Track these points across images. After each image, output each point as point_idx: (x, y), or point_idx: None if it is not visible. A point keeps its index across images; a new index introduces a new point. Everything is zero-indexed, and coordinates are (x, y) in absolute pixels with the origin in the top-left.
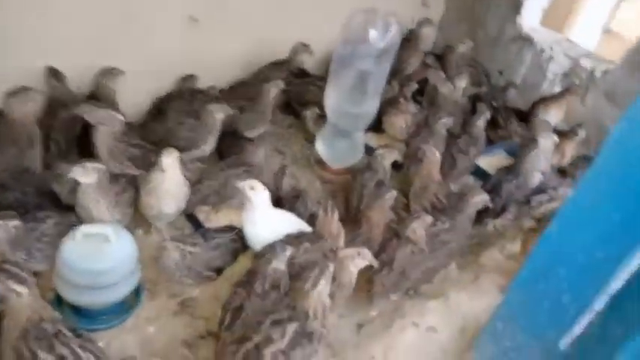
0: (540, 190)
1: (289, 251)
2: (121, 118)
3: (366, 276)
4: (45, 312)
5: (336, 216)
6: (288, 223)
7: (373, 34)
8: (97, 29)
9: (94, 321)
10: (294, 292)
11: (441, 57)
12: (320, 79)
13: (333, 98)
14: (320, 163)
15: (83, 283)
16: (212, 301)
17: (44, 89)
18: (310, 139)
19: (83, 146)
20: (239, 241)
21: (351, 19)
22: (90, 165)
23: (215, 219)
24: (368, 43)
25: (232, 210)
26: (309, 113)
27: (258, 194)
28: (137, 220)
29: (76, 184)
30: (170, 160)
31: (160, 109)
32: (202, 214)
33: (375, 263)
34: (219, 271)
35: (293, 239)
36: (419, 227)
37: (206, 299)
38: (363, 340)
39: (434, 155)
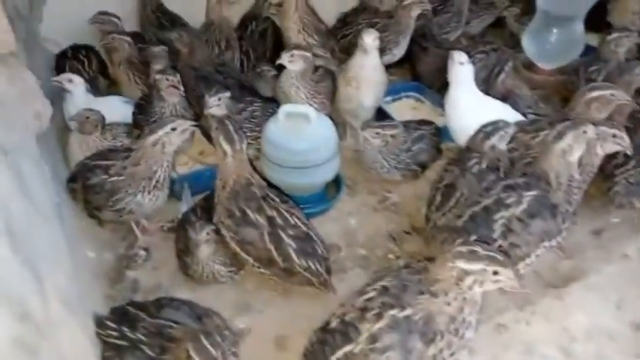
0: None
1: (512, 129)
2: None
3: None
4: (253, 178)
5: None
6: (499, 112)
7: None
8: None
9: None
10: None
11: None
12: None
13: None
14: (527, 64)
15: (286, 162)
16: (413, 199)
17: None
18: (511, 44)
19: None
20: (440, 137)
21: None
22: (297, 52)
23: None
24: None
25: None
26: (512, 10)
27: (456, 67)
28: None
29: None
30: (371, 39)
31: (344, 22)
32: (398, 114)
33: (630, 150)
34: (423, 167)
35: (526, 124)
36: None
37: (407, 197)
38: (608, 242)
39: None
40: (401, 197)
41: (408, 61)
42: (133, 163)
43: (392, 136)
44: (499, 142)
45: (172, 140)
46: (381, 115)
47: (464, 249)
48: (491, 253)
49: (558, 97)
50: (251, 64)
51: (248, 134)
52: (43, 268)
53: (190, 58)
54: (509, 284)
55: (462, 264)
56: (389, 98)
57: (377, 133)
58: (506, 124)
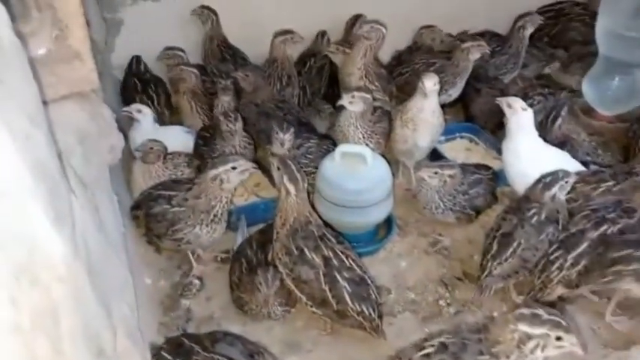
0: None
1: (572, 179)
2: (384, 29)
3: None
4: (311, 217)
5: None
6: (562, 162)
7: None
8: None
9: None
10: None
11: None
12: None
13: (609, 23)
14: (586, 110)
15: (340, 201)
16: (465, 244)
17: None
18: (571, 88)
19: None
20: (496, 182)
21: None
22: (358, 94)
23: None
24: None
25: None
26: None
27: (518, 113)
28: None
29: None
30: (432, 84)
31: (399, 61)
32: (451, 154)
33: None
34: (477, 212)
35: (587, 175)
36: None
37: (459, 241)
38: None
39: None
40: (453, 241)
41: (461, 101)
42: (194, 195)
43: (450, 176)
44: (559, 193)
45: (231, 178)
46: (434, 155)
47: (527, 312)
48: (555, 318)
49: (617, 145)
50: (307, 99)
51: (303, 169)
52: (113, 301)
53: (253, 95)
54: (572, 349)
55: (524, 327)
56: (442, 138)
57: (435, 173)
58: (567, 174)
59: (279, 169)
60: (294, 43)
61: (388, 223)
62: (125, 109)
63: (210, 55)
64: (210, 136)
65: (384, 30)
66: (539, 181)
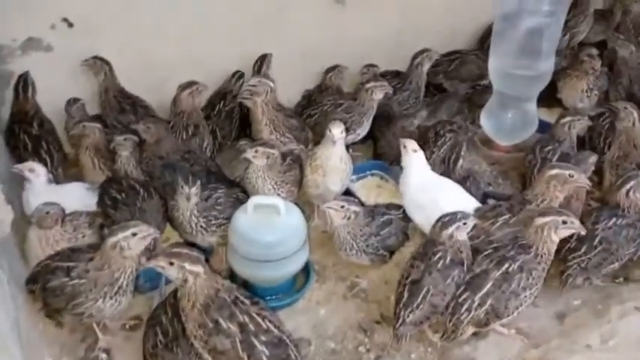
0: None
1: (472, 221)
2: (272, 83)
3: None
4: (219, 283)
5: None
6: (450, 189)
7: None
8: (248, 26)
9: (265, 301)
10: None
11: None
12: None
13: (499, 63)
14: (485, 141)
15: (255, 255)
16: (382, 285)
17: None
18: (471, 119)
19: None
20: (407, 220)
21: None
22: (261, 148)
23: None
24: None
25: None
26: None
27: (411, 154)
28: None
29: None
30: (339, 132)
31: (309, 101)
32: (363, 192)
33: (584, 231)
34: (391, 252)
35: (486, 211)
36: (634, 190)
37: (376, 283)
38: (571, 330)
39: (631, 114)
40: (370, 283)
41: (370, 137)
42: (96, 267)
43: (355, 212)
44: (457, 233)
45: (132, 245)
46: (347, 195)
47: None
48: None
49: (516, 174)
50: (217, 143)
51: (213, 222)
52: None
53: (157, 147)
54: None
55: None
56: (354, 177)
57: (341, 207)
58: (465, 215)
59: (172, 264)
60: (200, 93)
61: (306, 271)
62: (16, 167)
63: (107, 106)
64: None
65: (270, 84)
66: (438, 220)
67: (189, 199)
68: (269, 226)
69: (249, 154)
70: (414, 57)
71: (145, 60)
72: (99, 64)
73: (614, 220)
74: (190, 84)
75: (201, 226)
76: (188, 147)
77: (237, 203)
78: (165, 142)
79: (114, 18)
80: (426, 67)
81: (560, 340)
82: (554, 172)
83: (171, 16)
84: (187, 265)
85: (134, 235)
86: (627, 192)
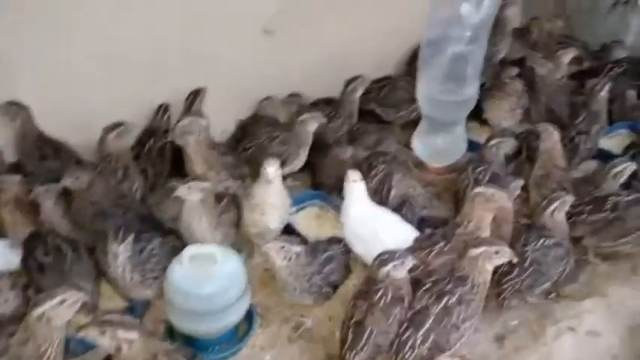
0: None
1: (409, 260)
2: (205, 121)
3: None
4: (156, 347)
5: None
6: (389, 221)
7: (466, 7)
8: (176, 58)
9: (207, 352)
10: None
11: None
12: (405, 77)
13: (426, 89)
14: (418, 164)
15: (193, 308)
16: (327, 322)
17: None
18: (403, 143)
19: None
20: (349, 253)
21: None
22: (194, 184)
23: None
24: (460, 20)
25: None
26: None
27: (351, 185)
28: (239, 242)
29: (180, 204)
30: (274, 170)
31: (244, 131)
32: (304, 224)
33: (516, 258)
34: (334, 288)
35: (423, 240)
36: (558, 210)
37: (321, 320)
38: (510, 353)
39: (552, 135)
40: (315, 321)
41: (308, 167)
42: (19, 342)
43: (296, 253)
44: (394, 272)
45: (60, 314)
46: (287, 228)
47: None
48: None
49: (449, 194)
50: (149, 184)
51: (149, 275)
52: None
53: (88, 194)
54: None
55: None
56: (293, 209)
57: (282, 247)
58: (403, 254)
59: (103, 333)
60: (128, 134)
61: (248, 317)
62: None
63: (27, 153)
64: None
65: (203, 122)
66: (376, 258)
67: (116, 257)
68: (207, 277)
69: (182, 191)
70: (347, 83)
71: (69, 98)
72: (14, 110)
73: (542, 241)
74: (116, 125)
75: (136, 281)
76: (120, 192)
77: (173, 252)
78: (96, 188)
79: (35, 54)
80: (359, 93)
81: None
82: (477, 191)
83: (97, 51)
84: (121, 333)
85: (62, 302)
86: (552, 212)
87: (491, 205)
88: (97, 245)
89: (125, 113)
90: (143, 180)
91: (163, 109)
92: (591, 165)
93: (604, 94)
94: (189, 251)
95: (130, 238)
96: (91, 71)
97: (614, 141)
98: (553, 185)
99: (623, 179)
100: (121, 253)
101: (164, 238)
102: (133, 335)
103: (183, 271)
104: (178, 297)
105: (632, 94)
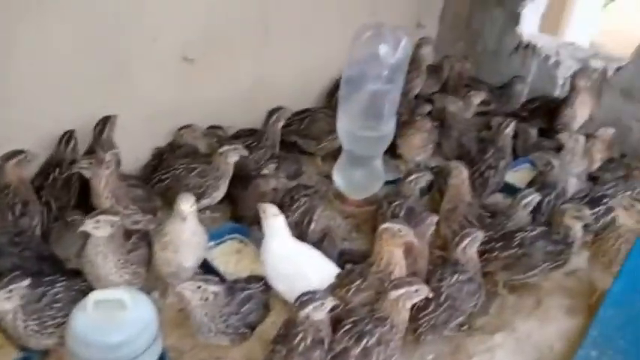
0: (593, 200)
1: (330, 303)
2: (112, 156)
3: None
4: None
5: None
6: (311, 259)
7: (384, 48)
8: (88, 83)
9: None
10: None
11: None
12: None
13: (346, 125)
14: (339, 196)
15: (97, 359)
16: None
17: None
18: (324, 174)
19: (79, 207)
20: (269, 291)
21: (359, 36)
22: (103, 217)
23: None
24: (378, 59)
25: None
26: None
27: (270, 219)
28: (151, 281)
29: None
30: (189, 206)
31: (161, 160)
32: (222, 260)
33: (431, 294)
34: (252, 328)
35: (342, 277)
36: (470, 246)
37: None
38: None
39: (461, 173)
40: None
41: (227, 199)
42: None
43: (214, 293)
44: (314, 313)
45: None
46: (205, 267)
47: None
48: None
49: (368, 226)
50: (52, 216)
51: (49, 323)
52: None
53: None
54: None
55: None
56: (212, 243)
57: (198, 287)
58: (323, 295)
59: None
60: (28, 163)
61: None
62: None
63: None
64: None
65: (113, 157)
66: (297, 299)
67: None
68: (114, 324)
69: (89, 225)
70: (270, 114)
71: None
72: None
73: (456, 276)
74: (15, 153)
75: (32, 330)
76: (19, 227)
77: (81, 296)
78: None
79: None
80: (282, 123)
81: None
82: (383, 227)
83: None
84: None
85: None
86: (464, 249)
87: (397, 240)
88: None
89: (27, 143)
90: (47, 214)
91: (67, 136)
92: (498, 197)
93: (509, 131)
94: (94, 296)
95: (25, 283)
96: None
97: (518, 175)
98: (460, 218)
99: (530, 209)
100: (4, 301)
101: (70, 281)
102: None
103: (87, 318)
104: (80, 347)
105: (534, 132)
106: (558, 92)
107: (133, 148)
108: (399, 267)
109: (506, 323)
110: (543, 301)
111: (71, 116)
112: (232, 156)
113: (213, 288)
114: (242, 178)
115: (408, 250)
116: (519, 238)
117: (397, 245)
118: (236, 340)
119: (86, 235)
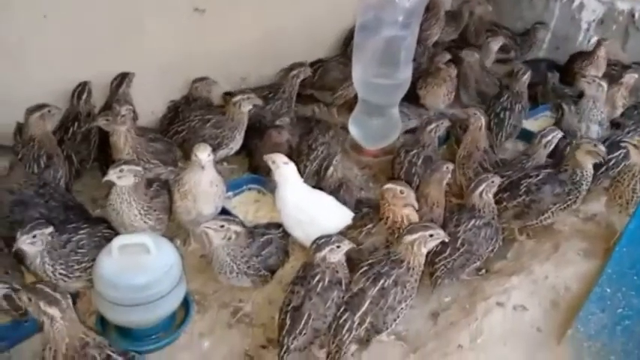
0: (613, 144)
1: (346, 244)
2: (127, 112)
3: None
4: (88, 336)
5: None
6: (325, 204)
7: None
8: (101, 38)
9: (144, 342)
10: None
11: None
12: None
13: (361, 73)
14: (355, 147)
15: (125, 300)
16: (266, 306)
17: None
18: (339, 125)
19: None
20: (288, 238)
21: None
22: (127, 167)
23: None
24: (393, 4)
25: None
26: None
27: (281, 167)
28: (173, 229)
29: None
30: (206, 155)
31: (176, 113)
32: (241, 209)
33: (447, 238)
34: (272, 272)
35: (356, 220)
36: (486, 191)
37: (259, 305)
38: (443, 330)
39: (479, 119)
40: (254, 305)
41: (245, 149)
42: None
43: (236, 232)
44: (330, 255)
45: None
46: (224, 213)
47: None
48: None
49: (385, 176)
50: (74, 169)
51: (76, 267)
52: None
53: (6, 179)
54: None
55: None
56: (230, 193)
57: (221, 227)
58: (339, 239)
59: (30, 300)
60: (52, 116)
61: (185, 304)
62: None
63: None
64: None
65: (129, 113)
66: (313, 242)
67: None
68: (138, 268)
69: (113, 175)
70: (291, 68)
71: None
72: None
73: (473, 221)
74: (40, 106)
75: (60, 274)
76: (43, 179)
77: (104, 242)
78: (15, 173)
79: None
80: (300, 78)
81: (435, 342)
82: (386, 187)
83: (13, 31)
84: (42, 305)
85: None
86: (480, 194)
87: (399, 201)
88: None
89: (46, 96)
90: (68, 167)
91: (80, 88)
92: (518, 145)
93: (525, 78)
94: (118, 241)
95: (49, 230)
96: (7, 54)
97: (538, 123)
98: (475, 165)
99: (551, 148)
100: (26, 247)
101: (93, 228)
102: (53, 311)
103: (112, 262)
104: (107, 289)
105: (555, 78)
106: (582, 37)
107: (148, 101)
108: (408, 220)
109: (524, 266)
110: (561, 246)
111: (86, 71)
112: (246, 105)
113: (235, 227)
114: (258, 129)
115: (425, 198)
116: (525, 186)
117: (399, 206)
118: (257, 282)
119: (110, 185)
